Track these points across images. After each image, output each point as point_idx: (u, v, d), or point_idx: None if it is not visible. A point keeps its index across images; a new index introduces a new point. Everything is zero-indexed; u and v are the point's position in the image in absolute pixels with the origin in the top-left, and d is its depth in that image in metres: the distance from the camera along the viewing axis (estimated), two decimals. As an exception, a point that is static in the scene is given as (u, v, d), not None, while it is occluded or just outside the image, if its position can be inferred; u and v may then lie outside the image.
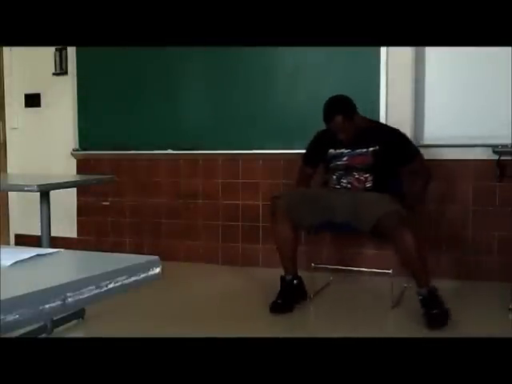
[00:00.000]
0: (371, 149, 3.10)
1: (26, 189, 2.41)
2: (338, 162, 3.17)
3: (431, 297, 2.78)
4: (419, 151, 3.21)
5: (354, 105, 3.08)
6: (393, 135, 3.16)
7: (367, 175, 3.10)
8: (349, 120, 3.03)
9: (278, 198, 3.07)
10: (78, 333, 2.74)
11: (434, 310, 2.71)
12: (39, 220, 2.62)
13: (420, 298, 2.81)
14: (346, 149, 3.14)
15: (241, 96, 3.98)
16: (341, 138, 3.09)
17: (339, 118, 3.01)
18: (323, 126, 3.19)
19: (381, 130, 3.21)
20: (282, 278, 3.09)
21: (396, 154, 3.10)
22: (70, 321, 2.81)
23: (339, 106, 3.05)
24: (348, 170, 3.15)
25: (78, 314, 2.84)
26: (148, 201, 4.32)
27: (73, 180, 3.18)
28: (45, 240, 2.61)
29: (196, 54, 4.00)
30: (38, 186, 2.36)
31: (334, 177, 3.18)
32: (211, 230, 4.17)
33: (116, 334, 2.51)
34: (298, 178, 3.37)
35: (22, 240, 4.59)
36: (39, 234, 2.64)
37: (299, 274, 3.13)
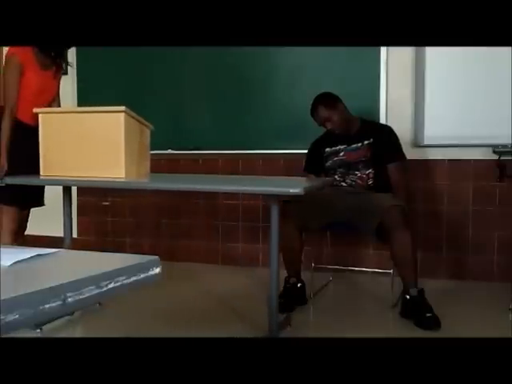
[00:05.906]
0: (366, 142, 3.17)
1: (291, 191, 2.15)
2: (336, 158, 3.23)
3: (421, 297, 2.80)
4: (405, 157, 3.24)
5: (337, 96, 3.18)
6: (384, 129, 3.27)
7: (368, 172, 3.14)
8: (331, 108, 3.13)
9: (288, 203, 3.06)
10: (72, 332, 2.73)
11: (428, 314, 2.72)
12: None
13: (408, 297, 2.82)
14: (342, 145, 3.21)
15: (241, 96, 3.98)
16: (329, 127, 3.16)
17: (321, 107, 3.14)
18: (322, 127, 3.21)
19: (373, 126, 3.31)
20: (286, 281, 3.10)
21: (384, 148, 3.16)
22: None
23: (319, 98, 3.19)
24: (348, 167, 3.19)
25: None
26: (148, 201, 4.32)
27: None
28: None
29: (196, 53, 4.00)
30: (304, 188, 2.14)
31: (337, 176, 3.22)
32: (211, 230, 4.17)
33: (116, 333, 2.51)
34: None
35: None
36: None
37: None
